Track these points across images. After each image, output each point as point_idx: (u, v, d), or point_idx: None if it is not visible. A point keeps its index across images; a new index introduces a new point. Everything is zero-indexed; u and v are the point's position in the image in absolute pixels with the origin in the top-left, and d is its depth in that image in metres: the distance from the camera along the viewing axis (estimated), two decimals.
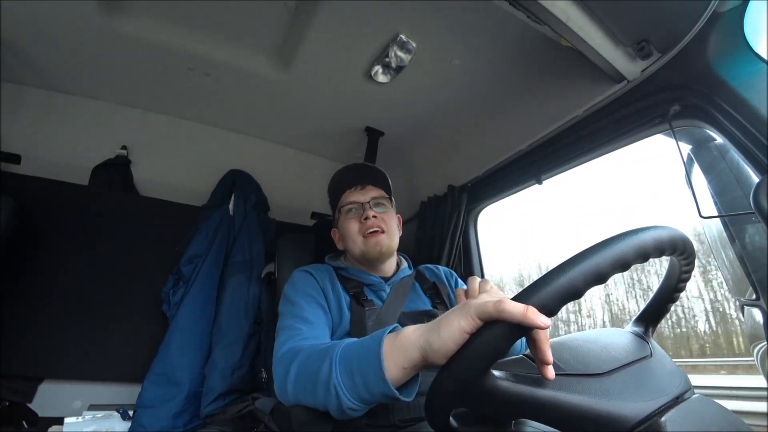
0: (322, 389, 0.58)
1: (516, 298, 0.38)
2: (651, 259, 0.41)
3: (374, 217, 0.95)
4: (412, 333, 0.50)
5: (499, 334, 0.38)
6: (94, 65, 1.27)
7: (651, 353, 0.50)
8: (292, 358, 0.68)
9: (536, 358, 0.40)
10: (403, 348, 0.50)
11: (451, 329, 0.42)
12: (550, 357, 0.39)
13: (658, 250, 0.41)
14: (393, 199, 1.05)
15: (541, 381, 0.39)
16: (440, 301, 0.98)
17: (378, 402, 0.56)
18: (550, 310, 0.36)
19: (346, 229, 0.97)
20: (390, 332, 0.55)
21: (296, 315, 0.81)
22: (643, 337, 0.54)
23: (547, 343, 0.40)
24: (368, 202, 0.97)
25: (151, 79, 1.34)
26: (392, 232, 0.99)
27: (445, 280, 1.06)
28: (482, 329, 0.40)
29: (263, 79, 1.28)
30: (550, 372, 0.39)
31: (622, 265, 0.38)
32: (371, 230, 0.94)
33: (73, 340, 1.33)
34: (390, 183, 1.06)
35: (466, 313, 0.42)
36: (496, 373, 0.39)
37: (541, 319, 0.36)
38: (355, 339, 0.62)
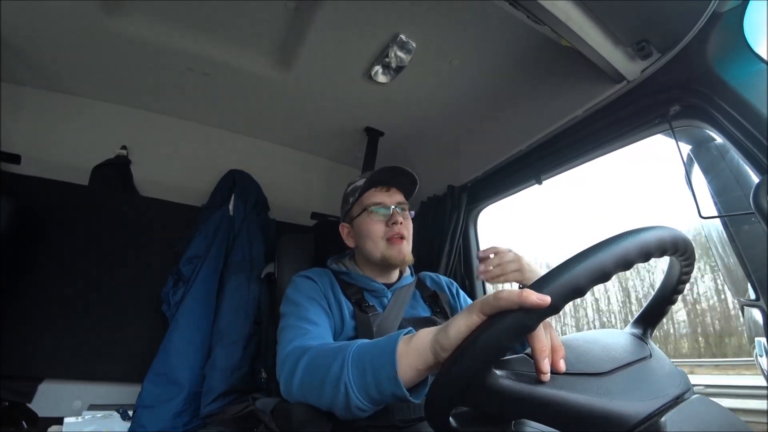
0: (330, 386, 0.58)
1: None
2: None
3: (400, 223, 0.93)
4: (425, 335, 0.51)
5: (502, 326, 0.38)
6: (94, 65, 1.27)
7: (650, 354, 0.50)
8: (300, 354, 0.68)
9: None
10: (417, 349, 0.51)
11: (459, 327, 0.43)
12: (544, 366, 0.39)
13: (660, 249, 0.42)
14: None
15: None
16: (440, 309, 0.98)
17: (387, 402, 0.57)
18: (554, 307, 0.36)
19: (368, 229, 0.94)
20: (405, 335, 0.55)
21: (301, 316, 0.82)
22: (642, 338, 0.54)
23: (543, 353, 0.39)
24: (395, 207, 0.95)
25: (151, 79, 1.33)
26: (410, 240, 0.98)
27: (446, 288, 1.07)
28: (485, 323, 0.40)
29: (263, 80, 1.28)
30: (544, 377, 0.39)
31: (625, 264, 0.38)
32: (397, 236, 0.93)
33: (73, 340, 1.32)
34: (416, 188, 1.00)
35: (471, 311, 0.42)
36: (498, 371, 0.39)
37: (535, 296, 0.36)
38: (368, 340, 0.62)
